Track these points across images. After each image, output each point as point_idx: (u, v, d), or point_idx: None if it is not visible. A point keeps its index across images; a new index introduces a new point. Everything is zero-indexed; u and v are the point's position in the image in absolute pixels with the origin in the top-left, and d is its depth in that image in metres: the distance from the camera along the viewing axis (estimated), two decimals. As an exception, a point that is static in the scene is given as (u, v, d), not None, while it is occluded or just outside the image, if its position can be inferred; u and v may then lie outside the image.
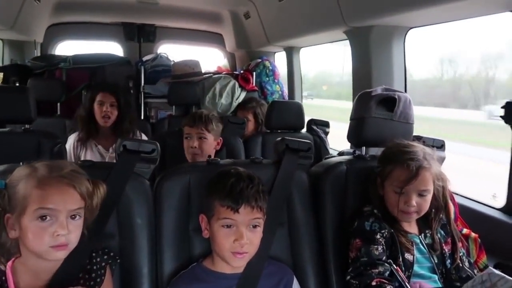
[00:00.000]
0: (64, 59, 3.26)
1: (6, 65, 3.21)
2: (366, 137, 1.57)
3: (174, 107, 3.40)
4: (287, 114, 2.62)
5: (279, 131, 2.65)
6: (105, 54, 3.46)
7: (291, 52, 3.46)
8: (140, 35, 4.16)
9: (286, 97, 3.70)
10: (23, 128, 2.12)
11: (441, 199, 1.34)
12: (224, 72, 3.78)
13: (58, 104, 3.15)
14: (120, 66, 3.40)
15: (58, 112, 3.17)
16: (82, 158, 2.48)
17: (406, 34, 2.27)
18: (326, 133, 2.72)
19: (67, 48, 4.22)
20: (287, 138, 1.52)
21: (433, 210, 1.36)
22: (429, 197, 1.32)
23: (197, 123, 2.07)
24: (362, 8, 2.15)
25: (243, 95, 3.44)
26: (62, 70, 3.22)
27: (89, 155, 2.48)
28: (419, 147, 1.36)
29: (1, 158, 2.09)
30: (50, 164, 1.05)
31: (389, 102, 1.54)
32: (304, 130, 2.75)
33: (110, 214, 1.25)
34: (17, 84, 3.07)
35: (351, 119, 1.61)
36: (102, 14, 3.95)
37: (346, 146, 2.08)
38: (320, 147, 2.63)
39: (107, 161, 2.48)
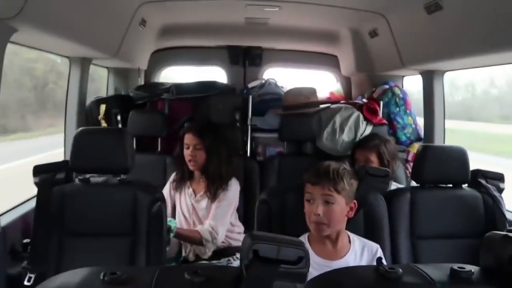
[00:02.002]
0: (167, 88, 2.96)
1: (108, 96, 3.01)
2: None
3: (285, 143, 2.91)
4: (445, 163, 1.94)
5: (431, 185, 1.99)
6: (209, 82, 3.09)
7: (431, 77, 2.76)
8: (245, 59, 3.78)
9: (421, 132, 3.00)
10: (118, 178, 1.79)
11: None
12: (342, 101, 3.20)
13: (159, 139, 2.85)
14: (226, 95, 3.00)
15: (159, 148, 2.86)
16: (177, 201, 2.36)
17: None
18: (501, 190, 1.97)
19: (170, 73, 4.03)
20: None
21: None
22: None
23: (322, 180, 1.52)
24: None
25: (369, 130, 2.81)
26: (164, 102, 2.92)
27: (182, 199, 2.33)
28: None
29: (96, 213, 1.80)
30: None
31: None
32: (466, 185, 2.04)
33: None
34: (119, 117, 2.83)
35: None
36: (207, 37, 3.65)
37: None
38: (493, 211, 1.90)
39: (191, 207, 2.31)
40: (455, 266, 0.95)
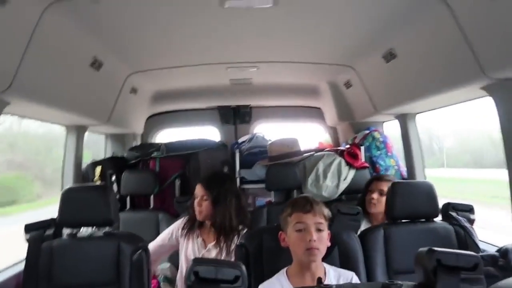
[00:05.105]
0: (158, 147, 3.15)
1: (102, 159, 3.19)
2: None
3: (273, 193, 3.02)
4: (415, 198, 2.03)
5: (403, 221, 2.06)
6: (198, 140, 3.29)
7: (404, 120, 2.92)
8: (235, 117, 4.01)
9: (404, 173, 3.10)
10: (103, 231, 1.91)
11: None
12: (326, 149, 3.34)
13: (152, 196, 2.99)
14: (215, 151, 3.17)
15: (151, 205, 2.98)
16: (183, 247, 2.30)
17: None
18: (471, 222, 2.04)
19: (166, 135, 4.23)
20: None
21: None
22: None
23: (314, 208, 1.63)
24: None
25: (351, 174, 2.93)
26: (155, 160, 3.09)
27: (190, 246, 2.29)
28: None
29: (83, 265, 1.90)
30: None
31: None
32: (439, 219, 2.11)
33: None
34: (113, 178, 3.00)
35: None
36: (197, 100, 3.90)
37: None
38: (465, 242, 1.96)
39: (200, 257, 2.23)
40: (388, 281, 1.04)
